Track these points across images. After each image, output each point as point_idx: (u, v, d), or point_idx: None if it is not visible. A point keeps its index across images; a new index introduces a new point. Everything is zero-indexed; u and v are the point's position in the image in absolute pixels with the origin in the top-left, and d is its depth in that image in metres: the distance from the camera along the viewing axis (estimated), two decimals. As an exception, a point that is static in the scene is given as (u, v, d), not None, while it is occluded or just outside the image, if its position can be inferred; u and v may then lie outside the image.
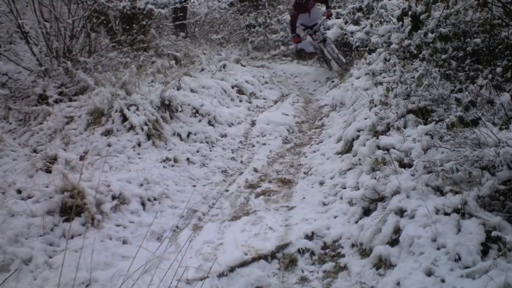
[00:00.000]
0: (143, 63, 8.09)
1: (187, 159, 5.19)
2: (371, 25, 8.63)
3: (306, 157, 5.64)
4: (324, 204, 4.14)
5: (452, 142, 3.48)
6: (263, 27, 13.33)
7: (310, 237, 3.50)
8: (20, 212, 3.36)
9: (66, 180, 3.59)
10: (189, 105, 6.28)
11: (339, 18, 11.66)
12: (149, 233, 3.55)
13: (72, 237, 3.38)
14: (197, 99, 6.49)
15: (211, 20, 14.22)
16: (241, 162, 5.47)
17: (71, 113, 5.70)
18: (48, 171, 3.97)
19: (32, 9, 6.85)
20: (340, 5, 12.72)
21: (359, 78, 7.28)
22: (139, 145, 5.08)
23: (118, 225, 3.69)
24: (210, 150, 5.60)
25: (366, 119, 5.12)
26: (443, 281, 2.54)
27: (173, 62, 8.56)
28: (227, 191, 4.67)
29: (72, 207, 3.43)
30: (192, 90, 6.91)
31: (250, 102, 7.77)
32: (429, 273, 2.62)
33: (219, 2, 13.62)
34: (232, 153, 5.72)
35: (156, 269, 2.37)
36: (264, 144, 6.09)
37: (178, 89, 6.66)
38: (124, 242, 3.50)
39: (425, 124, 4.12)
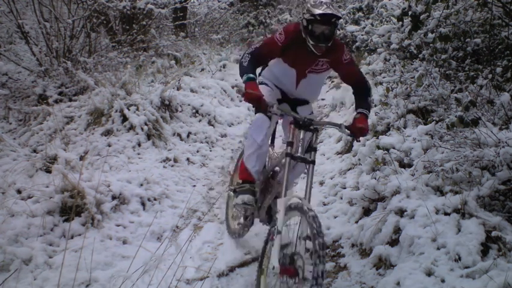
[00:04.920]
0: (143, 63, 8.08)
1: (187, 159, 5.20)
2: (371, 25, 8.63)
3: (306, 157, 5.64)
4: (324, 204, 4.14)
5: (452, 142, 3.48)
6: (263, 27, 13.33)
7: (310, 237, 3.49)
8: (20, 212, 3.36)
9: (66, 180, 3.59)
10: (189, 105, 6.28)
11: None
12: (149, 233, 3.55)
13: (72, 237, 3.38)
14: (197, 99, 6.49)
15: (211, 20, 14.21)
16: (241, 162, 5.47)
17: (71, 113, 5.70)
18: (48, 171, 3.97)
19: (32, 9, 6.85)
20: (340, 5, 12.73)
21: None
22: (139, 145, 5.08)
23: (118, 225, 3.69)
24: (210, 150, 5.61)
25: (366, 119, 5.12)
26: (443, 281, 2.53)
27: (173, 62, 8.56)
28: (227, 191, 4.67)
29: (72, 207, 3.42)
30: (192, 90, 6.91)
31: (250, 102, 7.76)
32: (429, 273, 2.62)
33: (219, 2, 13.62)
34: (232, 153, 5.71)
35: (155, 269, 2.37)
36: (264, 144, 6.08)
37: (178, 89, 6.66)
38: (124, 242, 3.50)
39: (425, 124, 4.12)
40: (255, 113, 3.13)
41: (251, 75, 2.77)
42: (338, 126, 2.76)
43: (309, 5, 2.76)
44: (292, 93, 3.23)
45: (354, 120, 2.83)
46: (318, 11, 2.67)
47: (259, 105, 2.70)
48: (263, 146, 3.04)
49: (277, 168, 3.17)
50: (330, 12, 2.66)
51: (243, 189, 3.07)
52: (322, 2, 2.72)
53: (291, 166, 2.72)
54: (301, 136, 2.67)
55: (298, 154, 2.67)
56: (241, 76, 2.82)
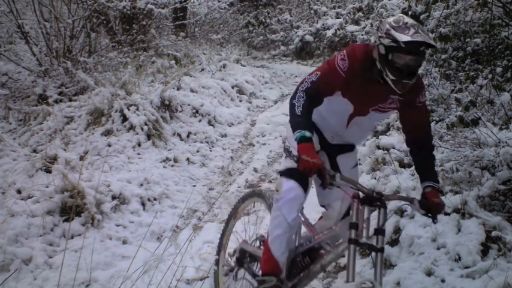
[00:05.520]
0: (143, 63, 8.08)
1: (187, 159, 5.19)
2: (371, 25, 8.63)
3: (306, 157, 5.63)
4: (324, 204, 4.14)
5: (452, 142, 3.49)
6: (263, 27, 13.34)
7: (310, 237, 3.49)
8: (20, 212, 3.36)
9: (66, 180, 3.59)
10: (189, 105, 6.28)
11: (338, 18, 11.69)
12: (149, 233, 3.55)
13: (72, 237, 3.39)
14: (197, 99, 6.49)
15: (211, 20, 14.22)
16: (241, 162, 5.47)
17: (71, 113, 5.70)
18: (48, 171, 3.97)
19: (32, 9, 6.85)
20: (340, 5, 12.73)
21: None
22: (139, 145, 5.08)
23: (118, 225, 3.69)
24: (210, 150, 5.60)
25: (366, 119, 5.12)
26: (443, 281, 2.54)
27: (173, 62, 8.56)
28: (227, 191, 4.67)
29: (72, 207, 3.43)
30: (192, 90, 6.90)
31: (250, 102, 7.76)
32: (429, 273, 2.62)
33: (219, 2, 13.62)
34: (232, 153, 5.72)
35: (155, 269, 2.37)
36: (264, 144, 6.08)
37: (178, 89, 6.66)
38: (124, 242, 3.51)
39: (425, 124, 4.11)
40: (282, 175, 2.35)
41: (307, 133, 2.03)
42: (410, 202, 2.14)
43: (388, 27, 1.99)
44: (339, 133, 2.38)
45: (425, 194, 2.16)
46: (404, 37, 1.92)
47: (320, 177, 1.99)
48: (294, 226, 2.36)
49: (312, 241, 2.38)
50: (420, 39, 1.92)
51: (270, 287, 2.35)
52: (407, 24, 1.97)
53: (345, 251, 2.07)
54: (366, 215, 2.03)
55: (364, 239, 2.01)
56: (293, 129, 2.09)
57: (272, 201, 2.49)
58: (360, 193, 2.04)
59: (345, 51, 2.17)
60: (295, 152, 2.13)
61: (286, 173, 2.31)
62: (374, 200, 2.02)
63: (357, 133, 2.42)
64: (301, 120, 2.09)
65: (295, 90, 2.18)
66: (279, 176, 2.39)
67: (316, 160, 1.97)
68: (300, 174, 2.14)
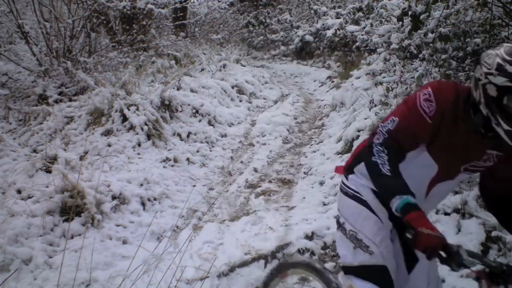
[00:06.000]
0: (143, 63, 8.09)
1: (187, 159, 5.20)
2: (371, 25, 8.63)
3: (306, 157, 5.64)
4: (324, 204, 4.14)
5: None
6: (263, 27, 13.36)
7: (310, 237, 3.50)
8: (20, 212, 3.36)
9: (66, 180, 3.59)
10: (189, 105, 6.29)
11: (338, 18, 11.70)
12: (149, 232, 3.54)
13: (72, 237, 3.38)
14: (197, 99, 6.50)
15: (211, 20, 14.25)
16: (241, 162, 5.47)
17: (71, 113, 5.71)
18: (48, 171, 3.97)
19: (32, 9, 6.86)
20: (340, 5, 12.74)
21: (359, 78, 7.29)
22: (139, 145, 5.08)
23: (118, 225, 3.69)
24: (210, 150, 5.61)
25: (366, 119, 5.12)
26: (443, 281, 2.54)
27: (173, 62, 8.57)
28: (227, 191, 4.67)
29: (72, 207, 3.42)
30: (192, 90, 6.91)
31: (250, 102, 7.77)
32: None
33: (219, 2, 13.64)
34: (232, 153, 5.72)
35: (155, 269, 2.37)
36: (264, 144, 6.09)
37: (178, 89, 6.66)
38: (124, 242, 3.50)
39: (426, 124, 4.11)
40: (349, 273, 1.76)
41: (411, 198, 1.48)
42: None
43: (499, 61, 1.42)
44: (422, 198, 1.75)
45: None
46: None
47: (448, 256, 1.40)
48: None
49: None
50: None
51: None
52: None
53: None
54: None
55: None
56: (387, 196, 1.54)
57: (333, 281, 1.91)
58: (487, 270, 1.49)
59: (429, 88, 1.60)
60: (367, 241, 1.69)
61: (359, 273, 1.72)
62: (505, 276, 1.47)
63: (435, 202, 1.87)
64: (394, 181, 1.53)
65: (368, 146, 1.65)
66: (343, 274, 1.79)
67: (438, 233, 1.42)
68: (379, 274, 1.66)
